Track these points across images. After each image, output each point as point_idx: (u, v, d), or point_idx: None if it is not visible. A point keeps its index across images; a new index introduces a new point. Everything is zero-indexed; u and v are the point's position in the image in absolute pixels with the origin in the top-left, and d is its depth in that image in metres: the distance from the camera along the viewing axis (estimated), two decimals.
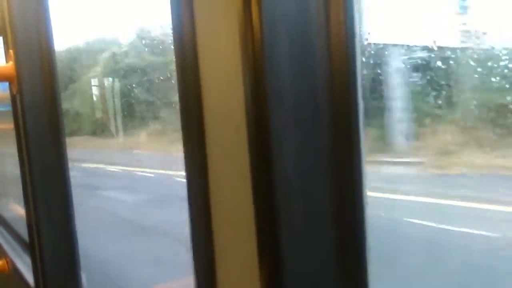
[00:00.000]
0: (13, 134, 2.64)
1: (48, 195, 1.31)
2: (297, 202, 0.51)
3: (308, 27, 0.50)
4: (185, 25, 0.60)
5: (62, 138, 1.33)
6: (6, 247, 1.99)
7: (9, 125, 2.88)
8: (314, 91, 0.51)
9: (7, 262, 1.90)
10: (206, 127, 0.59)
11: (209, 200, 0.59)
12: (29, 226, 1.40)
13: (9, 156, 2.82)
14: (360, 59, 0.52)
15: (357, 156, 0.52)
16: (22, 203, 2.48)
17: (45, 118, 1.30)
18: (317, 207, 0.52)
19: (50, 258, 1.31)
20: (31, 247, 1.41)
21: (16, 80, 1.29)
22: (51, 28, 1.30)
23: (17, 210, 2.55)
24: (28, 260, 1.82)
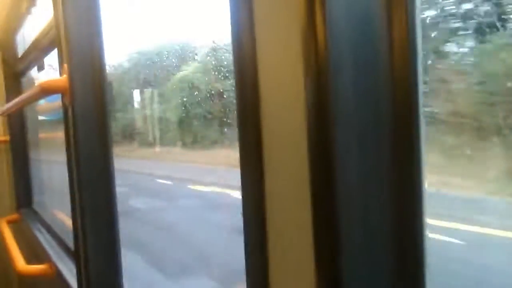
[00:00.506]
0: (57, 142, 2.75)
1: (94, 204, 1.35)
2: (357, 225, 0.50)
3: (372, 35, 0.49)
4: (244, 36, 0.60)
5: (110, 148, 1.37)
6: (50, 252, 2.05)
7: (53, 134, 3.00)
8: (377, 110, 0.50)
9: (51, 266, 1.96)
10: (264, 143, 0.59)
11: (265, 220, 0.59)
12: (75, 234, 1.44)
13: (55, 164, 2.94)
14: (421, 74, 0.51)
15: (418, 177, 0.51)
16: (65, 209, 2.57)
17: (94, 129, 1.34)
18: (378, 230, 0.51)
19: (95, 266, 1.34)
20: (76, 254, 1.45)
21: (69, 93, 1.34)
22: (103, 42, 1.35)
23: (60, 217, 2.64)
24: (71, 265, 1.88)
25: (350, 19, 0.48)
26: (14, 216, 3.06)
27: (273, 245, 0.59)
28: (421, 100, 0.50)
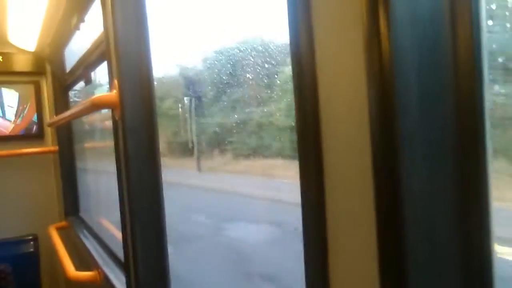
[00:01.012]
0: (100, 152, 2.83)
1: (144, 217, 1.38)
2: (423, 246, 0.49)
3: (436, 37, 0.47)
4: (303, 42, 0.59)
5: (158, 161, 1.40)
6: (98, 259, 2.12)
7: (97, 144, 3.10)
8: (442, 119, 0.48)
9: (99, 273, 2.02)
10: (324, 158, 0.58)
11: (326, 244, 0.58)
12: (125, 245, 1.48)
13: (97, 173, 3.04)
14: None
15: (484, 190, 0.49)
16: (111, 218, 2.65)
17: (143, 143, 1.38)
18: (444, 251, 0.49)
19: (144, 277, 1.37)
20: (126, 265, 1.49)
21: (119, 107, 1.38)
22: (151, 58, 1.39)
23: (105, 224, 2.72)
24: (117, 272, 1.93)
25: (414, 21, 0.47)
26: (63, 223, 3.18)
27: (335, 266, 0.58)
28: (486, 106, 0.48)
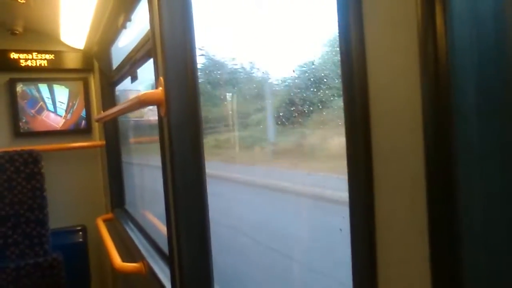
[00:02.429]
0: (144, 147, 2.89)
1: (188, 211, 1.40)
2: (481, 257, 0.46)
3: (500, 37, 0.44)
4: (353, 42, 0.57)
5: (202, 157, 1.42)
6: (143, 251, 2.18)
7: (141, 139, 3.19)
8: (504, 125, 0.45)
9: (144, 265, 2.08)
10: (374, 160, 0.56)
11: (375, 250, 0.56)
12: (169, 239, 1.51)
13: (139, 166, 3.13)
14: None
15: None
16: (154, 211, 2.72)
17: (188, 139, 1.40)
18: (503, 261, 0.47)
19: (189, 271, 1.40)
20: (171, 258, 1.52)
21: (164, 104, 1.41)
22: (196, 56, 1.41)
23: (150, 218, 2.80)
24: (161, 264, 1.98)
25: (474, 19, 0.44)
26: (109, 215, 3.31)
27: (383, 271, 0.56)
28: None
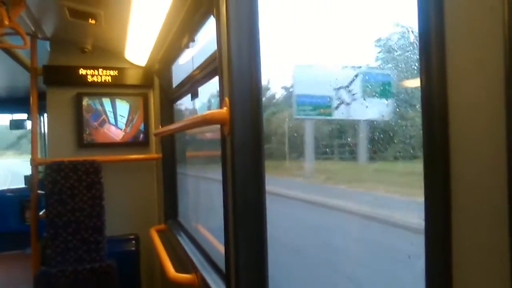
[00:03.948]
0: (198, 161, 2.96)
1: (247, 229, 1.43)
2: None
3: None
4: (433, 45, 0.57)
5: (263, 176, 1.45)
6: (197, 263, 2.23)
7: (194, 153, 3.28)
8: None
9: (197, 276, 2.13)
10: (452, 197, 0.56)
11: (451, 269, 0.56)
12: (227, 256, 1.55)
13: (200, 182, 3.22)
14: None
15: None
16: (207, 225, 2.78)
17: (250, 158, 1.44)
18: None
19: (245, 287, 1.42)
20: (227, 274, 1.55)
21: (228, 124, 1.46)
22: (261, 77, 1.45)
23: (201, 230, 2.86)
24: (214, 277, 2.01)
25: None
26: (162, 225, 3.42)
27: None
28: None
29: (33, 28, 3.10)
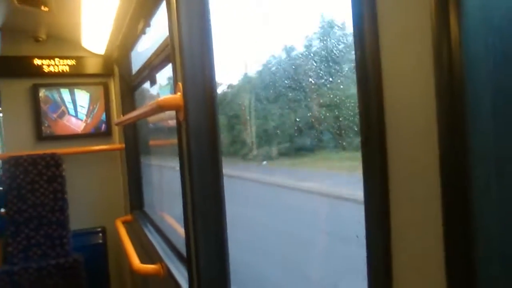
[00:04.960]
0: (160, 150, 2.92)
1: (205, 214, 1.43)
2: (493, 261, 0.47)
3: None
4: (367, 46, 0.58)
5: (219, 160, 1.45)
6: (161, 253, 2.22)
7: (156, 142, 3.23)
8: None
9: (162, 267, 2.12)
10: (390, 175, 0.57)
11: (391, 253, 0.57)
12: (187, 241, 1.54)
13: (162, 170, 3.17)
14: None
15: None
16: (172, 212, 2.76)
17: (206, 143, 1.43)
18: None
19: (207, 272, 1.42)
20: (188, 260, 1.55)
21: (182, 109, 1.44)
22: (214, 62, 1.43)
23: (167, 219, 2.84)
24: (179, 266, 2.00)
25: (489, 23, 0.45)
26: (128, 216, 3.37)
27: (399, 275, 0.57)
28: None
29: None
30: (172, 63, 1.54)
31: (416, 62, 0.52)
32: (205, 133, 1.42)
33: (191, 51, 1.40)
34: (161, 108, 1.57)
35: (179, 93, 1.46)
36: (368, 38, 0.58)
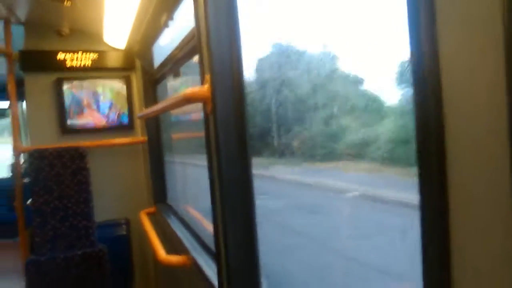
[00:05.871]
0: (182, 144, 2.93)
1: (234, 207, 1.42)
2: None
3: None
4: (425, 48, 0.55)
5: (248, 153, 1.43)
6: (187, 244, 2.23)
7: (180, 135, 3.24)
8: None
9: (188, 258, 2.13)
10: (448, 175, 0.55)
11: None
12: (216, 234, 1.54)
13: (189, 166, 3.19)
14: None
15: None
16: (197, 206, 2.77)
17: (234, 136, 1.41)
18: None
19: (235, 265, 1.42)
20: (217, 254, 1.54)
21: (210, 101, 1.43)
22: (241, 53, 1.42)
23: (191, 212, 2.85)
24: (206, 258, 2.01)
25: None
26: (152, 208, 3.40)
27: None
28: None
29: (5, 13, 2.99)
30: (199, 55, 1.53)
31: (479, 52, 0.49)
32: (233, 126, 1.41)
33: (219, 42, 1.39)
34: (188, 100, 1.56)
35: (206, 85, 1.44)
36: (423, 23, 0.55)
